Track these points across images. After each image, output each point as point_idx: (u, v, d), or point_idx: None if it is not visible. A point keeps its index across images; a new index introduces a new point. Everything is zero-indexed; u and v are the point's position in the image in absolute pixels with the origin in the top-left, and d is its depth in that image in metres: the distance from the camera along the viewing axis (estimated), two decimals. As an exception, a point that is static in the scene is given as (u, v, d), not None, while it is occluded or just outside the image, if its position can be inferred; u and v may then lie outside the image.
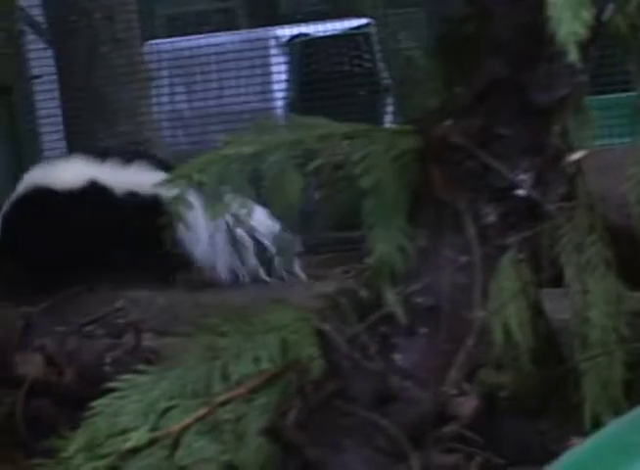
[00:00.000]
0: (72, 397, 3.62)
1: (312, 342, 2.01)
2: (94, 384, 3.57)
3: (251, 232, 4.05)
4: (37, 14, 5.78)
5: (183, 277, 4.20)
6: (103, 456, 1.90)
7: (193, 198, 4.06)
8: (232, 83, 6.89)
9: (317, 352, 2.00)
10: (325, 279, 4.00)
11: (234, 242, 4.03)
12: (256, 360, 2.01)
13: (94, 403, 1.96)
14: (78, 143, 5.80)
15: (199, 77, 6.98)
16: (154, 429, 1.92)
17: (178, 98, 7.04)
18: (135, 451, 1.91)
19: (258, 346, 2.02)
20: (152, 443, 1.91)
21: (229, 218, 4.06)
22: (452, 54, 2.10)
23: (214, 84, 6.91)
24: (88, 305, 3.98)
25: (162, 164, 4.15)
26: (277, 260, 4.08)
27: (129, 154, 4.29)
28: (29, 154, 5.24)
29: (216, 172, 2.05)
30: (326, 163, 1.98)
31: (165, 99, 6.89)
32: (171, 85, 7.06)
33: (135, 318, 3.73)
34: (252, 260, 4.04)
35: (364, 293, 2.05)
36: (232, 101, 6.65)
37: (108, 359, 3.51)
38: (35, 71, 5.44)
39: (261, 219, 4.00)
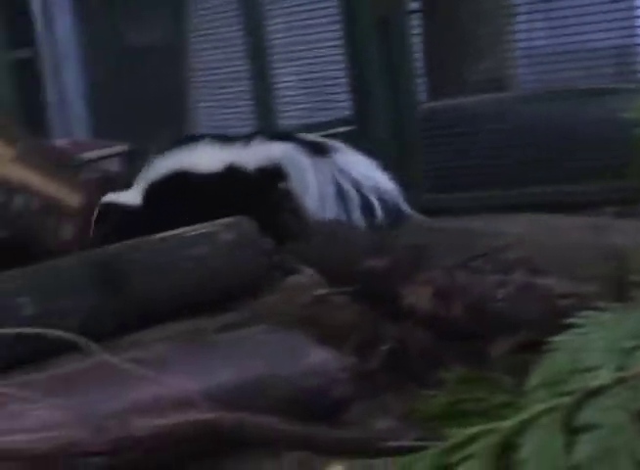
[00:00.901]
0: (459, 331, 3.63)
1: None
2: (483, 319, 3.58)
3: (357, 185, 4.19)
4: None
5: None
6: (565, 393, 1.86)
7: (303, 157, 4.33)
8: (592, 19, 6.63)
9: None
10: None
11: (341, 195, 4.19)
12: None
13: (555, 339, 1.92)
14: (441, 79, 5.81)
15: (556, 13, 6.77)
16: (618, 368, 1.86)
17: (534, 34, 6.88)
18: (598, 390, 1.86)
19: None
20: (617, 382, 1.85)
21: (336, 172, 4.19)
22: None
23: (573, 20, 6.68)
24: (470, 240, 3.98)
25: (277, 136, 4.52)
26: (381, 213, 4.17)
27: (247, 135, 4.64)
28: (404, 88, 5.27)
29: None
30: None
31: (522, 36, 6.74)
32: (528, 21, 6.91)
33: (523, 255, 3.69)
34: (357, 213, 4.14)
35: None
36: (591, 37, 6.40)
37: (500, 295, 3.48)
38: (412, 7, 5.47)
39: (366, 172, 4.21)
